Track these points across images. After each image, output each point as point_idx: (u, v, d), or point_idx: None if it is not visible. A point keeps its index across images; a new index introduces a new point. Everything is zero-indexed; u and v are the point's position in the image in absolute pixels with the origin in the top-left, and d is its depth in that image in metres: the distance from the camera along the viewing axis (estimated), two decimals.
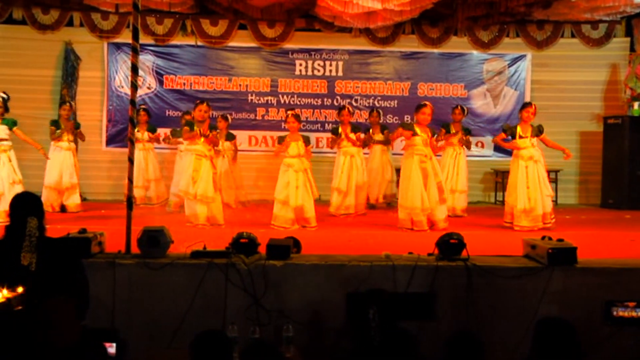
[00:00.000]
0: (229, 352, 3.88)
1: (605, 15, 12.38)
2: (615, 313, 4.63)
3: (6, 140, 9.99)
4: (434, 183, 9.27)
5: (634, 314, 4.65)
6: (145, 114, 12.07)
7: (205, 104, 9.62)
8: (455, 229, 7.60)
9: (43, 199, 10.82)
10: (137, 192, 11.56)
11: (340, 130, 11.16)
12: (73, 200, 10.99)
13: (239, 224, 9.12)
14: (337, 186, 10.78)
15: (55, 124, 11.13)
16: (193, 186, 9.19)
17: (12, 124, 10.11)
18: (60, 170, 10.91)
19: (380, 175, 11.94)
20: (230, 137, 11.81)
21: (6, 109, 10.16)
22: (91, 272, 4.89)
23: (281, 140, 9.79)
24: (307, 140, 9.84)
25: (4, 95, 10.19)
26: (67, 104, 11.43)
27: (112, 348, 3.87)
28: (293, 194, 9.33)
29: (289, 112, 10.03)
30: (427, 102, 9.79)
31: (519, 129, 9.72)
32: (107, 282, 5.68)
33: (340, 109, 11.49)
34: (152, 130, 12.14)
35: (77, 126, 11.39)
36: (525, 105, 10.05)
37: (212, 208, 9.27)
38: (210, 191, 9.23)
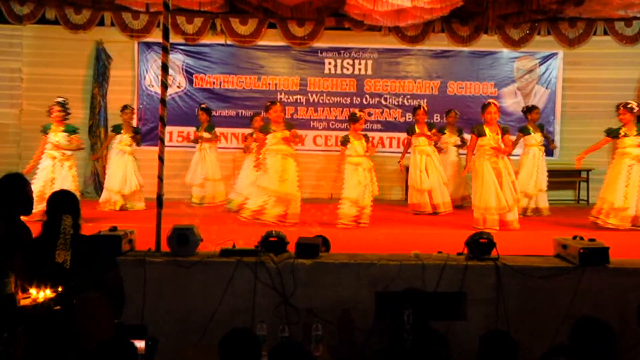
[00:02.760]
0: (258, 351, 3.89)
1: (639, 12, 12.23)
2: None
3: (67, 148, 9.99)
4: (509, 182, 9.31)
5: None
6: (203, 114, 12.22)
7: (279, 104, 9.90)
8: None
9: (102, 199, 10.93)
10: (196, 191, 12.02)
11: (416, 128, 11.33)
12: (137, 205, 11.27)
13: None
14: (419, 187, 10.96)
15: (117, 129, 11.37)
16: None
17: (72, 131, 10.11)
18: (124, 174, 11.11)
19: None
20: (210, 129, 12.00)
21: (67, 113, 10.21)
22: (122, 270, 4.92)
23: (345, 141, 9.82)
24: (367, 138, 9.93)
25: (61, 99, 10.28)
26: (129, 107, 11.62)
27: (141, 344, 3.89)
28: (362, 193, 9.49)
29: (358, 112, 10.15)
30: (491, 101, 9.88)
31: (623, 128, 9.65)
32: (137, 280, 5.72)
33: (416, 108, 11.60)
34: (210, 129, 12.19)
35: (136, 131, 11.54)
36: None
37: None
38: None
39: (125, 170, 11.15)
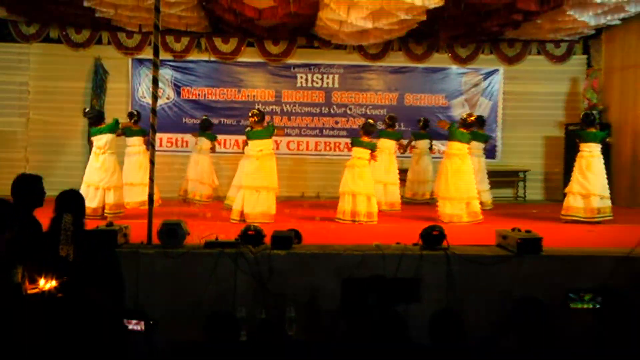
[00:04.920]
0: (238, 331, 3.88)
1: (566, 35, 12.44)
2: (572, 305, 4.63)
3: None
4: None
5: (587, 305, 4.63)
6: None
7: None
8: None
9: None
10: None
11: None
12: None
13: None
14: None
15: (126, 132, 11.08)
16: None
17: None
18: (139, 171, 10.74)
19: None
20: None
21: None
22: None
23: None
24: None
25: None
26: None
27: (140, 326, 3.83)
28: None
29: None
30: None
31: None
32: (131, 269, 5.63)
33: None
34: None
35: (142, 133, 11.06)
36: None
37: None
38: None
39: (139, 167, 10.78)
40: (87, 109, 9.88)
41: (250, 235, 6.01)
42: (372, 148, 9.54)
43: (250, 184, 9.04)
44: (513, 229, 6.28)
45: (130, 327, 3.75)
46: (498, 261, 5.89)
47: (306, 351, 5.01)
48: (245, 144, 9.68)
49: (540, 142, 13.74)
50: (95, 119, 9.57)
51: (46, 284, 3.77)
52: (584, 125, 9.61)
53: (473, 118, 9.75)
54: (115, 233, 5.82)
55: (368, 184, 9.34)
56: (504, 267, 5.87)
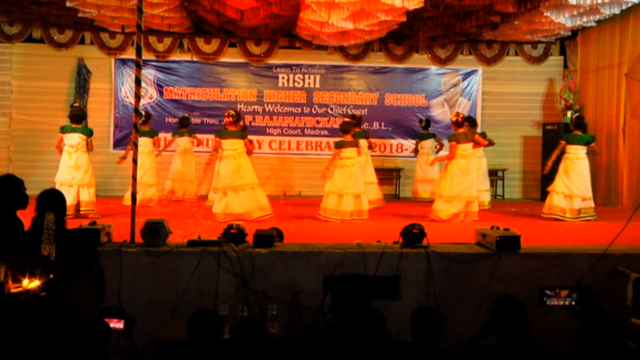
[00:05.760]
0: (221, 329, 3.86)
1: (543, 36, 12.54)
2: (548, 302, 4.66)
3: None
4: None
5: (562, 302, 4.67)
6: None
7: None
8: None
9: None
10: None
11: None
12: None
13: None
14: None
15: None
16: None
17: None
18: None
19: None
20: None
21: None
22: (100, 259, 4.82)
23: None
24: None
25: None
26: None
27: (120, 324, 3.81)
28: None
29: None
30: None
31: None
32: (114, 268, 5.59)
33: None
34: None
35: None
36: None
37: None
38: None
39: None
40: (76, 104, 9.85)
41: (233, 234, 5.98)
42: (356, 144, 9.56)
43: (233, 183, 8.93)
44: (492, 227, 6.29)
45: (111, 325, 3.73)
46: (477, 259, 5.91)
47: (288, 348, 5.01)
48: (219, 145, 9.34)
49: (519, 142, 13.84)
50: (75, 117, 9.52)
51: (30, 283, 3.74)
52: (574, 126, 9.72)
53: (462, 115, 9.80)
54: (98, 232, 5.76)
55: (358, 183, 9.34)
56: (483, 264, 5.88)
